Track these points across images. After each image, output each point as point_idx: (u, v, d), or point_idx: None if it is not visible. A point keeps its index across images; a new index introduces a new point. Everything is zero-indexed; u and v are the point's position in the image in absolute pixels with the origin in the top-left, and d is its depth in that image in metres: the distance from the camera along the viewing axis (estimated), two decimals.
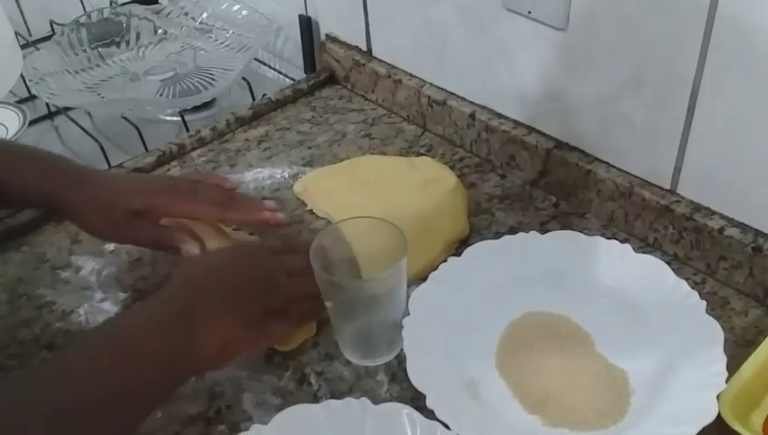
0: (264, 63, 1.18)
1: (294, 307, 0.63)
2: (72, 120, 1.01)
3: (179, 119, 1.00)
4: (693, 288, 0.66)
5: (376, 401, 0.59)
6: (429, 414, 0.57)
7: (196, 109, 1.04)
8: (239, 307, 0.59)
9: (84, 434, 0.49)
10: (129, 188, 0.71)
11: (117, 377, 0.51)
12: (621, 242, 0.71)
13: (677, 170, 0.72)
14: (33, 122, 1.01)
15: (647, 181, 0.75)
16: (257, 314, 0.60)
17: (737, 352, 0.62)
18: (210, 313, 0.57)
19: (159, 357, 0.53)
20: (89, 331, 0.69)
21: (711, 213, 0.70)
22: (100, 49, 1.10)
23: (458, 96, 0.90)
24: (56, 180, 0.69)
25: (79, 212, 0.69)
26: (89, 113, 1.05)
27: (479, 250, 0.72)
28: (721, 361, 0.59)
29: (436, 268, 0.70)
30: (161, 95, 1.04)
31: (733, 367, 0.59)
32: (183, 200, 0.70)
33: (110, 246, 0.78)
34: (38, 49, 1.11)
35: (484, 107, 0.88)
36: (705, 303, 0.64)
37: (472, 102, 0.89)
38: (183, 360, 0.55)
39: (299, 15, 1.06)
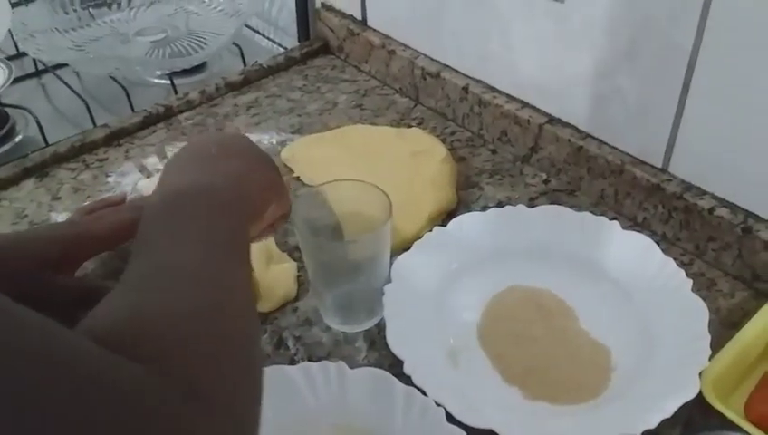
0: (258, 32, 1.16)
1: None
2: (60, 78, 1.00)
3: (168, 82, 0.99)
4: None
5: (353, 366, 0.58)
6: (407, 381, 0.56)
7: (187, 73, 1.02)
8: (256, 153, 0.56)
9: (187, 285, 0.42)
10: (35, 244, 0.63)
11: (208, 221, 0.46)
12: (610, 220, 0.70)
13: (670, 148, 0.70)
14: (19, 79, 0.99)
15: (638, 159, 0.74)
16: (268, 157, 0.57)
17: (723, 334, 0.61)
18: (239, 163, 0.53)
19: (231, 204, 0.49)
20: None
21: (702, 193, 0.69)
22: (91, 9, 1.08)
23: (452, 68, 0.89)
24: None
25: None
26: (77, 73, 1.03)
27: (465, 221, 0.71)
28: (704, 338, 0.58)
29: (421, 238, 0.69)
30: (151, 57, 1.02)
31: (717, 348, 0.58)
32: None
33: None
34: (27, 5, 1.09)
35: (478, 80, 0.86)
36: (691, 281, 0.63)
37: (466, 75, 0.87)
38: (248, 203, 0.52)
39: None
